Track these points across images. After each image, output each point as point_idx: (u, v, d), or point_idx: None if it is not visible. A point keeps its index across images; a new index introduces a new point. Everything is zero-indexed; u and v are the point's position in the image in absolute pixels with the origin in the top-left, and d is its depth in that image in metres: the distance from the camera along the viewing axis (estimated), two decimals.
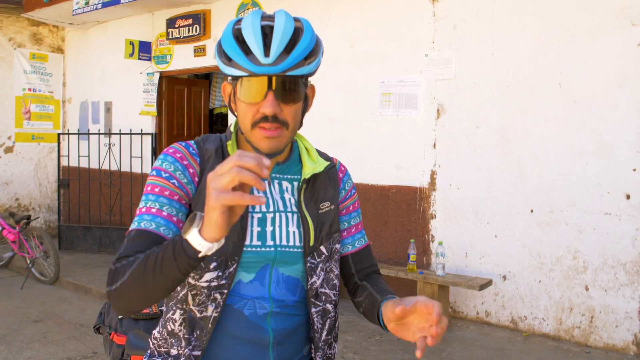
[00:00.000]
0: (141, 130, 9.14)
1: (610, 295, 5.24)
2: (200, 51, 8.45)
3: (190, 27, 8.37)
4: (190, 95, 9.48)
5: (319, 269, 1.73)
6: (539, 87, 5.57)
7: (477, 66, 5.93)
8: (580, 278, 5.39)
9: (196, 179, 1.64)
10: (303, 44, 1.56)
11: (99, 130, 9.71)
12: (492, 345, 5.41)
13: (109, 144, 9.50)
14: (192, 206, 1.62)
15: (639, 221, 5.08)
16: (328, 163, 1.77)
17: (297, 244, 1.70)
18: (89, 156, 9.66)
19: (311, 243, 1.70)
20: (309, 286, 1.72)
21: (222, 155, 1.67)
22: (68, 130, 10.30)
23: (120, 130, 9.37)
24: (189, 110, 9.49)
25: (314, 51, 1.60)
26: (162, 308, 2.60)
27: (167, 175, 1.60)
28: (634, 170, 5.08)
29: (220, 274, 1.62)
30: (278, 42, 1.52)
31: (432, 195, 6.24)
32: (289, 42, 1.55)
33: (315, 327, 1.76)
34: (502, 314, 5.88)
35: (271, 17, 1.58)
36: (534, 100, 5.59)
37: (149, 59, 9.07)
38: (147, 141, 9.16)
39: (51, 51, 10.75)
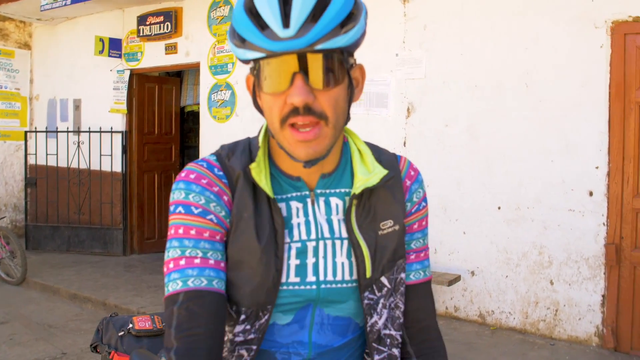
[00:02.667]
0: (111, 128, 9.10)
1: (574, 289, 5.40)
2: (171, 49, 8.45)
3: (162, 25, 8.37)
4: (161, 93, 9.45)
5: (380, 305, 1.37)
6: (506, 87, 5.71)
7: (447, 66, 6.06)
8: (545, 273, 5.54)
9: (231, 208, 1.31)
10: (335, 6, 1.17)
11: (67, 128, 9.62)
12: (461, 339, 5.53)
13: (78, 142, 9.44)
14: (228, 245, 1.31)
15: (601, 217, 5.25)
16: (386, 173, 1.34)
17: (348, 277, 1.34)
18: (57, 154, 9.57)
19: (367, 275, 1.33)
20: (369, 328, 1.37)
21: (250, 178, 1.31)
22: (35, 128, 10.19)
23: (89, 128, 9.32)
24: (160, 108, 9.46)
25: (352, 15, 1.21)
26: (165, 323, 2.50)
27: (200, 210, 1.28)
28: (597, 168, 5.25)
29: (248, 327, 1.31)
30: (300, 6, 1.15)
31: None
32: (316, 6, 1.16)
33: None
34: (471, 309, 6.01)
35: None
36: (502, 99, 5.74)
37: (120, 56, 9.04)
38: (117, 139, 9.12)
39: (18, 47, 10.62)
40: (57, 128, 9.83)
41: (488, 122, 5.82)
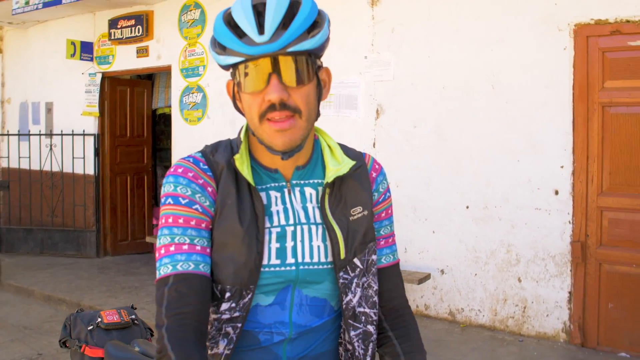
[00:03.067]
0: (83, 131, 9.09)
1: (541, 286, 5.51)
2: (143, 52, 8.46)
3: (133, 28, 8.37)
4: (133, 95, 9.45)
5: (354, 285, 1.51)
6: (473, 88, 5.81)
7: (415, 68, 6.14)
8: (513, 270, 5.65)
9: (214, 197, 1.45)
10: (302, 16, 1.37)
11: (39, 131, 9.60)
12: (431, 337, 5.62)
13: (51, 145, 9.41)
14: (213, 230, 1.45)
15: (567, 215, 5.36)
16: (354, 163, 1.52)
17: (323, 259, 1.49)
18: (29, 157, 9.55)
19: (342, 256, 1.48)
20: (344, 306, 1.51)
21: (234, 170, 1.47)
22: (7, 131, 10.15)
23: (61, 131, 9.30)
24: (132, 111, 9.46)
25: (317, 23, 1.40)
26: (132, 317, 2.49)
27: (187, 201, 1.43)
28: (562, 167, 5.36)
29: (233, 305, 1.44)
30: (272, 16, 1.34)
31: None
32: (285, 16, 1.36)
33: (357, 353, 1.55)
34: (441, 307, 6.11)
35: None
36: (469, 100, 5.83)
37: (91, 60, 9.03)
38: (90, 142, 9.11)
39: None
40: (29, 131, 9.80)
41: (456, 123, 5.91)
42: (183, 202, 1.42)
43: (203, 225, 1.43)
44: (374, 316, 1.56)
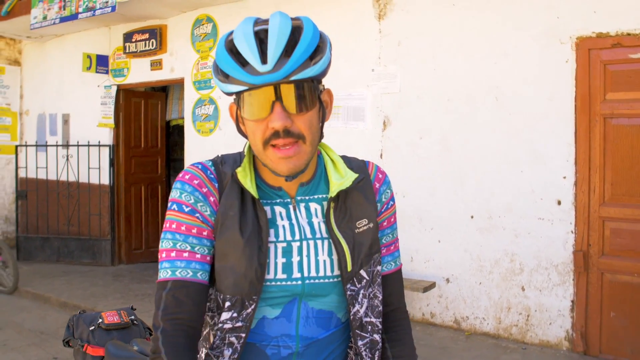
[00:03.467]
0: (99, 142, 9.29)
1: (545, 295, 5.59)
2: (156, 65, 8.64)
3: (147, 42, 8.57)
4: (147, 107, 9.65)
5: (360, 295, 1.54)
6: (477, 101, 5.92)
7: (420, 80, 6.27)
8: (517, 279, 5.74)
9: (216, 207, 1.49)
10: (304, 43, 1.38)
11: (56, 142, 9.82)
12: (436, 344, 5.72)
13: (67, 156, 9.63)
14: (216, 240, 1.49)
15: (569, 225, 5.44)
16: (356, 176, 1.53)
17: (329, 273, 1.51)
18: (46, 168, 9.76)
19: (349, 268, 1.50)
20: (352, 316, 1.53)
21: (237, 182, 1.49)
22: (26, 142, 10.39)
23: (78, 142, 9.50)
24: (146, 122, 9.66)
25: (319, 49, 1.41)
26: (132, 317, 2.59)
27: (190, 209, 1.47)
28: (564, 178, 5.45)
29: (235, 315, 1.47)
30: (274, 45, 1.35)
31: None
32: (288, 43, 1.37)
33: None
34: (446, 315, 6.20)
35: (265, 21, 1.43)
36: (473, 112, 5.94)
37: (107, 72, 9.23)
38: (105, 153, 9.31)
39: (8, 64, 10.81)
40: (46, 142, 10.03)
41: (460, 134, 6.02)
42: (186, 209, 1.46)
43: (204, 233, 1.47)
44: (380, 325, 1.59)
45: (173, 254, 1.45)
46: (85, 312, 2.58)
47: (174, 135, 10.87)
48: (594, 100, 5.33)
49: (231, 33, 1.44)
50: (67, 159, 9.61)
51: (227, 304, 1.46)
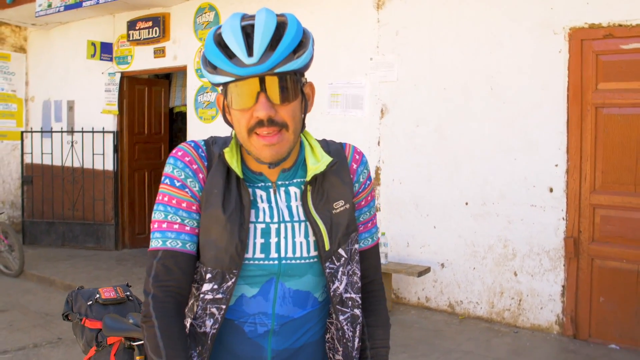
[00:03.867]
0: (103, 128, 9.42)
1: (536, 280, 5.73)
2: (160, 52, 8.77)
3: (150, 30, 8.69)
4: (150, 94, 9.79)
5: (339, 273, 1.62)
6: (472, 90, 6.04)
7: (417, 70, 6.39)
8: (509, 265, 5.87)
9: (203, 184, 1.58)
10: (288, 38, 1.46)
11: (61, 129, 9.95)
12: (430, 327, 5.86)
13: (72, 142, 9.78)
14: (201, 214, 1.57)
15: (561, 212, 5.57)
16: (330, 160, 1.59)
17: (305, 254, 1.59)
18: (52, 153, 9.90)
19: (327, 248, 1.58)
20: (332, 293, 1.61)
21: (225, 163, 1.57)
22: (31, 128, 10.54)
23: (82, 129, 9.65)
24: (150, 109, 9.80)
25: (302, 44, 1.50)
26: (127, 293, 2.71)
27: (180, 184, 1.56)
28: (556, 165, 5.57)
29: (215, 286, 1.55)
30: (260, 39, 1.43)
31: (377, 190, 6.68)
32: (273, 38, 1.45)
33: (347, 335, 1.66)
34: (441, 299, 6.34)
35: (252, 17, 1.49)
36: (468, 101, 6.06)
37: (111, 60, 9.36)
38: (109, 139, 9.45)
39: (14, 51, 10.93)
40: (51, 128, 10.16)
41: (456, 123, 6.14)
42: (177, 184, 1.55)
43: (193, 207, 1.55)
44: (359, 300, 1.67)
45: (164, 225, 1.54)
46: (83, 288, 2.72)
47: (177, 122, 10.99)
48: (586, 90, 5.44)
49: (219, 27, 1.51)
50: (72, 145, 9.75)
51: (209, 275, 1.55)
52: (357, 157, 1.70)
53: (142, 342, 2.36)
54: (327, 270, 1.59)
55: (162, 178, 1.59)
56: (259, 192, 1.61)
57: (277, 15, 1.50)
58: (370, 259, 1.74)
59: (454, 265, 6.23)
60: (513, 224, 5.84)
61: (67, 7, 8.51)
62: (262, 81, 1.45)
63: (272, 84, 1.46)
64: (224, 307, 1.55)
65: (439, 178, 6.28)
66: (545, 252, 5.67)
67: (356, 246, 1.67)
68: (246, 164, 1.63)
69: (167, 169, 1.58)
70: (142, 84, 9.70)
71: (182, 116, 10.58)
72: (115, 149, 9.44)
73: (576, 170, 5.50)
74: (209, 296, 1.56)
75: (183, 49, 8.50)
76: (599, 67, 5.41)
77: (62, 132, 9.86)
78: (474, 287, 6.10)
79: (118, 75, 9.34)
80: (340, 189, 1.62)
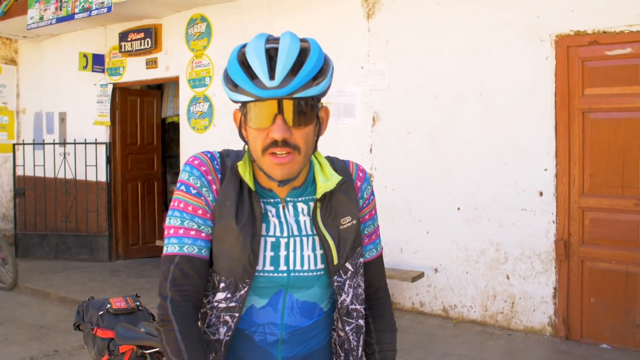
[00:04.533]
0: (95, 139, 9.46)
1: (528, 283, 5.82)
2: (152, 63, 8.83)
3: (142, 41, 8.74)
4: (142, 105, 9.83)
5: (346, 286, 1.69)
6: (462, 96, 6.14)
7: (408, 77, 6.48)
8: (502, 268, 5.96)
9: (217, 195, 1.63)
10: (310, 64, 1.51)
11: (53, 140, 9.95)
12: (425, 332, 5.94)
13: (64, 154, 9.79)
14: (215, 225, 1.63)
15: (551, 215, 5.67)
16: (340, 179, 1.67)
17: (313, 267, 1.65)
18: (44, 165, 9.93)
19: (335, 262, 1.64)
20: (339, 305, 1.68)
21: (238, 176, 1.63)
22: (23, 141, 10.56)
23: (75, 140, 9.67)
24: (142, 120, 9.84)
25: (323, 71, 1.55)
26: (137, 303, 2.78)
27: (196, 192, 1.61)
28: (546, 170, 5.68)
29: (229, 295, 1.61)
30: (283, 63, 1.48)
31: None
32: (295, 63, 1.50)
33: (352, 345, 1.73)
34: (435, 304, 6.42)
35: (276, 40, 1.54)
36: (459, 108, 6.16)
37: (103, 71, 9.40)
38: (102, 150, 9.47)
39: (4, 63, 10.93)
40: (43, 140, 10.17)
41: (447, 129, 6.24)
42: (193, 192, 1.61)
43: (208, 215, 1.61)
44: (363, 311, 1.76)
45: (181, 232, 1.60)
46: (94, 299, 2.77)
47: (170, 132, 11.02)
48: (572, 96, 5.56)
49: (244, 46, 1.58)
50: (64, 157, 9.77)
51: (222, 285, 1.61)
52: (361, 174, 1.77)
53: (154, 350, 2.43)
54: (335, 284, 1.66)
55: (178, 184, 1.65)
56: (268, 207, 1.68)
57: (301, 40, 1.56)
58: (377, 268, 1.83)
59: (447, 269, 6.31)
60: (504, 228, 5.93)
61: (59, 20, 8.56)
62: (280, 103, 1.51)
63: (290, 107, 1.51)
64: (237, 315, 1.62)
65: (431, 184, 6.37)
66: (537, 255, 5.77)
67: (361, 260, 1.75)
68: (257, 180, 1.69)
69: (183, 176, 1.64)
70: (134, 95, 9.74)
71: (175, 126, 10.63)
72: (108, 160, 9.47)
73: (565, 174, 5.60)
74: (222, 304, 1.62)
75: (175, 59, 8.57)
76: (584, 73, 5.52)
77: (54, 144, 9.87)
78: (467, 291, 6.18)
79: (110, 87, 9.39)
80: (347, 205, 1.70)
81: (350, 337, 1.72)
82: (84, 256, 9.67)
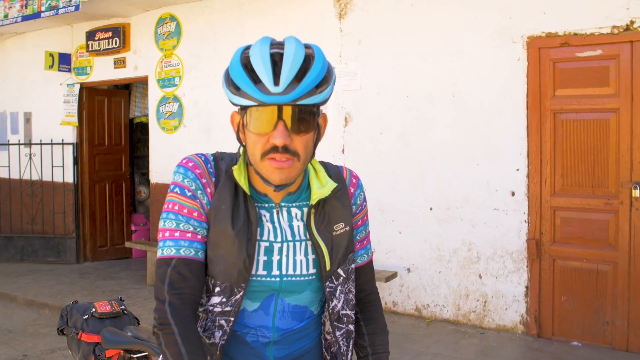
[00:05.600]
0: (62, 140, 9.31)
1: (500, 282, 5.88)
2: (120, 63, 8.72)
3: (110, 40, 8.63)
4: (110, 105, 9.68)
5: (338, 291, 1.71)
6: (435, 97, 6.17)
7: (380, 78, 6.50)
8: (474, 267, 6.02)
9: (211, 198, 1.62)
10: (314, 72, 1.51)
11: (18, 141, 9.78)
12: (398, 331, 5.96)
13: (30, 154, 9.61)
14: (209, 229, 1.62)
15: (523, 215, 5.74)
16: (335, 186, 1.68)
17: (305, 272, 1.66)
18: (9, 167, 9.76)
19: (327, 268, 1.66)
20: (330, 310, 1.70)
21: (233, 180, 1.63)
22: None
23: (41, 141, 9.50)
24: (110, 120, 9.69)
25: (326, 79, 1.55)
26: (122, 307, 2.75)
27: (191, 194, 1.60)
28: (517, 170, 5.74)
29: (224, 299, 1.61)
30: (288, 70, 1.48)
31: None
32: (300, 70, 1.50)
33: (342, 350, 1.75)
34: (408, 303, 6.45)
35: (281, 44, 1.54)
36: (431, 108, 6.20)
37: (69, 70, 9.26)
38: (69, 151, 9.33)
39: None
40: (8, 141, 9.98)
41: (419, 130, 6.27)
42: (188, 194, 1.60)
43: (203, 218, 1.60)
44: (353, 316, 1.78)
45: (177, 234, 1.58)
46: (78, 303, 2.73)
47: (137, 133, 10.92)
48: (544, 97, 5.63)
49: (247, 48, 1.57)
50: (30, 158, 9.60)
51: (217, 289, 1.61)
52: (354, 180, 1.79)
53: (142, 354, 2.40)
54: (327, 289, 1.68)
55: (171, 186, 1.63)
56: (263, 212, 1.67)
57: (305, 46, 1.56)
58: (368, 272, 1.86)
59: (419, 269, 6.34)
60: (477, 227, 5.98)
61: (25, 18, 8.41)
62: (281, 110, 1.50)
63: (292, 114, 1.51)
64: (232, 319, 1.62)
65: (403, 184, 6.40)
66: (509, 254, 5.83)
67: (353, 265, 1.76)
68: (252, 184, 1.68)
69: (177, 178, 1.63)
70: (102, 94, 9.59)
71: (142, 127, 10.53)
72: (75, 161, 9.32)
73: (537, 174, 5.67)
74: (217, 309, 1.62)
75: (144, 59, 8.47)
76: (556, 74, 5.60)
77: (19, 144, 9.70)
78: (440, 290, 6.22)
79: (77, 86, 9.24)
80: (340, 212, 1.71)
81: (341, 342, 1.74)
82: (50, 258, 9.50)
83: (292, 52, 1.50)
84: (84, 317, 2.64)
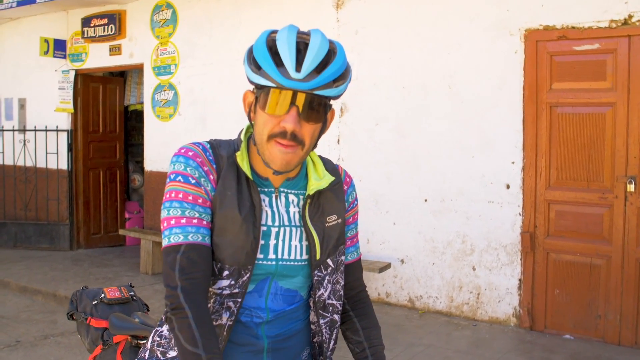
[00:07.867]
0: (57, 126, 9.27)
1: (494, 274, 5.89)
2: (115, 50, 8.67)
3: (106, 27, 8.59)
4: (105, 92, 9.64)
5: (325, 281, 1.76)
6: (431, 89, 6.16)
7: (377, 69, 6.48)
8: (468, 260, 6.02)
9: (215, 185, 1.66)
10: (335, 66, 1.56)
11: (13, 127, 9.75)
12: (391, 322, 5.96)
13: (24, 141, 9.57)
14: (214, 215, 1.66)
15: (517, 208, 5.74)
16: (333, 179, 1.75)
17: (299, 257, 1.72)
18: (3, 152, 9.73)
19: (317, 257, 1.71)
20: (316, 298, 1.75)
21: (235, 166, 1.68)
22: None
23: (35, 127, 9.46)
24: (105, 107, 9.65)
25: (344, 75, 1.60)
26: (132, 293, 2.75)
27: (195, 182, 1.63)
28: (513, 163, 5.74)
29: (233, 282, 1.65)
30: (311, 59, 1.53)
31: None
32: (321, 62, 1.55)
33: (324, 337, 1.80)
34: (401, 294, 6.46)
35: (307, 34, 1.58)
36: (427, 100, 6.19)
37: (64, 57, 9.20)
38: (63, 137, 9.29)
39: None
40: (2, 127, 9.95)
41: (414, 121, 6.26)
42: (192, 181, 1.63)
43: (208, 204, 1.64)
44: (340, 307, 1.82)
45: (183, 221, 1.61)
46: (87, 288, 2.75)
47: (132, 121, 10.88)
48: (540, 90, 5.62)
49: (273, 32, 1.61)
50: (24, 144, 9.56)
51: (226, 272, 1.65)
52: (348, 179, 1.88)
53: None
54: (315, 278, 1.74)
55: (172, 176, 1.66)
56: (262, 196, 1.72)
57: (329, 41, 1.61)
58: (357, 271, 1.92)
59: (413, 261, 6.35)
60: (471, 220, 5.98)
61: (20, 3, 8.36)
62: (296, 95, 1.56)
63: (307, 101, 1.56)
64: (239, 300, 1.66)
65: (398, 175, 6.39)
66: (503, 246, 5.83)
67: (342, 258, 1.82)
68: (254, 168, 1.73)
69: (178, 167, 1.65)
70: (97, 81, 9.55)
71: (137, 115, 10.49)
72: (70, 148, 9.29)
73: (532, 167, 5.67)
74: (226, 291, 1.66)
75: (140, 46, 8.43)
76: (553, 67, 5.58)
77: (13, 130, 9.67)
78: (434, 282, 6.23)
79: (72, 73, 9.19)
80: (334, 204, 1.78)
81: (323, 330, 1.78)
82: (44, 245, 9.48)
83: (317, 43, 1.56)
84: (93, 303, 2.66)
